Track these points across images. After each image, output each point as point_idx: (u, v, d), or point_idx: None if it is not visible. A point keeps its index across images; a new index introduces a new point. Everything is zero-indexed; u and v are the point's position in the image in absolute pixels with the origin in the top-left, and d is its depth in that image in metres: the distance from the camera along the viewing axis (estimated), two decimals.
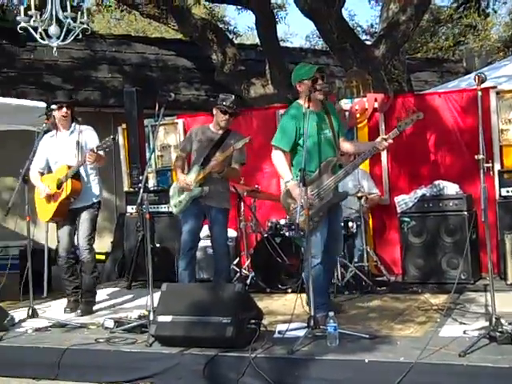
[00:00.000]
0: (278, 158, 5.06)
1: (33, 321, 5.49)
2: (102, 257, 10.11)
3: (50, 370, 4.60)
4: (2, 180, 10.90)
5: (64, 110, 6.01)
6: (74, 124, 6.12)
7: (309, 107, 4.81)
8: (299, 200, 4.70)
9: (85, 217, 6.02)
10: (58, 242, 6.18)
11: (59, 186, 5.92)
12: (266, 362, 4.15)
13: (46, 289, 7.38)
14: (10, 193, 10.75)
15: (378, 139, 5.18)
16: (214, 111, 5.95)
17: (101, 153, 5.78)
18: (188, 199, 5.87)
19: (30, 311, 5.59)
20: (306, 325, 4.55)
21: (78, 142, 5.98)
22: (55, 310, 6.19)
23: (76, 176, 5.91)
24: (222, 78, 11.19)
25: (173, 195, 6.02)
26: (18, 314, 5.64)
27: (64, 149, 6.03)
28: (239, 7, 12.96)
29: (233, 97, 5.94)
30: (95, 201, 6.10)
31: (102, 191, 6.33)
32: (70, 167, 5.88)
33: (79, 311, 5.96)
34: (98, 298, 6.57)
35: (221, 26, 13.41)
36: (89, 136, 6.07)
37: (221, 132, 5.94)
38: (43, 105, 7.69)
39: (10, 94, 9.56)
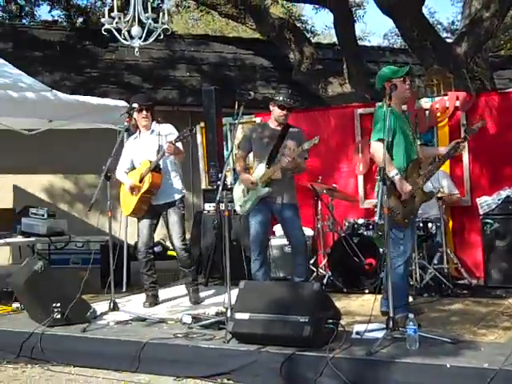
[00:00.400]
0: (381, 151, 4.89)
1: (114, 314, 5.62)
2: None
3: (130, 362, 4.68)
4: (83, 177, 11.24)
5: (144, 112, 6.17)
6: (154, 123, 6.26)
7: (389, 106, 4.79)
8: (404, 193, 4.74)
9: (174, 219, 6.17)
10: (138, 236, 6.31)
11: (141, 180, 6.08)
12: (344, 362, 4.10)
13: (125, 283, 7.54)
14: (92, 189, 11.09)
15: (453, 143, 5.23)
16: (271, 107, 5.90)
17: (179, 145, 5.93)
18: (255, 199, 5.83)
19: (112, 304, 5.73)
20: (384, 326, 4.47)
21: (158, 139, 6.13)
22: (135, 304, 6.31)
23: (156, 169, 6.05)
24: (299, 77, 11.18)
25: (237, 194, 5.98)
26: (100, 307, 5.77)
27: (147, 148, 6.20)
28: (317, 6, 12.90)
29: (289, 91, 5.92)
30: (177, 197, 6.21)
31: (184, 188, 6.42)
32: (151, 162, 6.04)
33: (193, 300, 6.18)
34: (175, 293, 6.71)
35: (298, 25, 13.38)
36: (168, 131, 6.20)
37: (280, 128, 5.90)
38: (124, 104, 7.87)
39: (92, 93, 9.82)
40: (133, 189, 6.14)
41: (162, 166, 6.12)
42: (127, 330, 5.11)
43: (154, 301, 6.23)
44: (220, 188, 5.00)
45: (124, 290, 7.33)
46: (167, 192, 6.17)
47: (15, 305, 6.73)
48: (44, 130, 8.10)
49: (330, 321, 4.48)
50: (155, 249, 6.80)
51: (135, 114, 6.20)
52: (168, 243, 10.47)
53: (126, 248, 7.70)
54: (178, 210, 6.20)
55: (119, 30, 6.22)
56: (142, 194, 6.09)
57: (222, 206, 5.16)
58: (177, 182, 6.26)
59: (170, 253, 10.68)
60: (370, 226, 6.70)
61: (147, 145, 6.21)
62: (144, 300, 6.26)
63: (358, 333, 4.59)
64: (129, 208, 6.23)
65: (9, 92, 6.45)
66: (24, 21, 15.56)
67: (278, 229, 7.46)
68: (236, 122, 5.52)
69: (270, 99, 5.95)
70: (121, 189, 6.35)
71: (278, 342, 4.41)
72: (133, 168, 6.34)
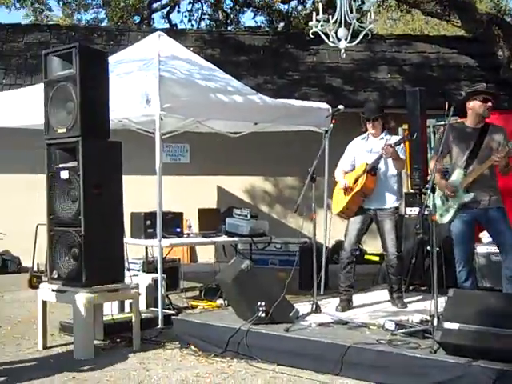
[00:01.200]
0: None
1: (315, 316, 5.64)
2: (377, 258, 10.15)
3: (332, 365, 4.66)
4: (283, 179, 11.48)
5: (371, 123, 6.17)
6: (385, 132, 6.24)
7: None
8: None
9: (389, 226, 6.09)
10: (345, 236, 6.26)
11: (355, 182, 6.09)
12: None
13: (323, 286, 7.56)
14: (291, 191, 11.37)
15: None
16: (471, 104, 5.56)
17: (399, 151, 5.91)
18: (457, 206, 5.56)
19: (314, 306, 5.75)
20: None
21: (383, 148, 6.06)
22: (334, 307, 6.26)
23: (372, 172, 6.01)
24: (508, 75, 10.58)
25: (436, 202, 5.69)
26: (299, 307, 5.80)
27: (370, 153, 6.18)
28: None
29: (484, 84, 5.54)
30: (391, 205, 6.12)
31: (402, 197, 6.30)
32: (367, 164, 6.03)
33: (399, 305, 6.09)
34: (375, 298, 6.59)
35: (508, 19, 12.65)
36: (393, 138, 6.17)
37: (479, 126, 5.57)
38: (326, 106, 7.92)
39: (293, 95, 10.00)
40: (346, 189, 6.15)
41: (380, 171, 6.07)
42: (329, 333, 5.07)
43: (346, 305, 6.13)
44: (428, 192, 4.83)
45: (322, 292, 7.34)
46: (381, 198, 6.10)
47: (219, 301, 7.06)
48: (247, 132, 8.37)
49: None
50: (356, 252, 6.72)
51: (368, 124, 6.24)
52: (365, 247, 10.42)
53: (324, 250, 7.72)
54: (392, 217, 6.10)
55: (325, 33, 6.28)
56: (354, 195, 6.07)
57: (426, 211, 4.99)
58: (393, 190, 6.15)
59: (367, 257, 10.60)
60: None
61: (372, 149, 6.19)
62: (337, 304, 6.20)
63: None
64: (339, 206, 6.24)
65: (219, 96, 6.73)
66: (230, 27, 16.32)
67: (484, 235, 7.09)
68: (446, 123, 5.28)
69: (468, 96, 5.62)
70: (336, 186, 6.38)
71: (490, 356, 4.14)
72: (353, 168, 6.33)
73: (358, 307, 6.20)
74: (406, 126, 8.41)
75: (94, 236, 5.32)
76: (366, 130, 6.29)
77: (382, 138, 6.19)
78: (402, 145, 6.11)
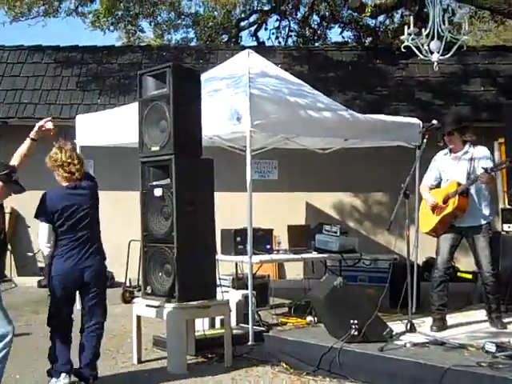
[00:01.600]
0: None
1: (410, 335, 5.48)
2: (470, 276, 9.81)
3: None
4: (372, 195, 11.32)
5: (446, 137, 6.00)
6: (467, 145, 6.04)
7: None
8: None
9: (483, 244, 5.92)
10: (437, 254, 6.09)
11: (445, 201, 5.91)
12: None
13: (414, 304, 7.36)
14: (380, 207, 11.18)
15: None
16: None
17: (494, 174, 5.74)
18: None
19: (409, 325, 5.59)
20: None
21: (470, 161, 5.92)
22: (428, 326, 6.08)
23: (464, 194, 5.84)
24: None
25: None
26: (393, 326, 5.66)
27: (457, 168, 6.02)
28: None
29: None
30: (483, 222, 5.94)
31: (494, 213, 6.12)
32: (459, 184, 5.85)
33: (499, 325, 5.88)
34: (472, 318, 6.36)
35: None
36: (482, 155, 5.97)
37: None
38: (416, 121, 7.79)
39: (382, 111, 9.85)
40: (434, 208, 5.99)
41: (471, 191, 5.90)
42: (425, 354, 4.92)
43: (441, 325, 5.93)
44: None
45: (414, 311, 7.14)
46: (473, 215, 5.92)
47: (309, 318, 6.99)
48: (336, 148, 8.30)
49: None
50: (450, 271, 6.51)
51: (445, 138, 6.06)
52: (458, 264, 10.09)
53: (416, 267, 7.53)
54: (486, 234, 5.92)
55: (416, 46, 6.18)
56: (444, 216, 5.92)
57: None
58: (485, 208, 5.98)
59: (460, 274, 10.25)
60: None
61: (457, 165, 6.03)
62: (431, 323, 6.01)
63: None
64: (428, 226, 6.09)
65: (309, 112, 6.71)
66: (317, 44, 16.30)
67: None
68: None
69: None
70: (421, 204, 6.26)
71: None
72: (438, 184, 6.18)
73: (454, 327, 6.00)
74: (502, 140, 8.14)
75: (187, 252, 5.38)
76: (445, 145, 6.11)
77: (467, 151, 6.00)
78: (489, 160, 5.92)
